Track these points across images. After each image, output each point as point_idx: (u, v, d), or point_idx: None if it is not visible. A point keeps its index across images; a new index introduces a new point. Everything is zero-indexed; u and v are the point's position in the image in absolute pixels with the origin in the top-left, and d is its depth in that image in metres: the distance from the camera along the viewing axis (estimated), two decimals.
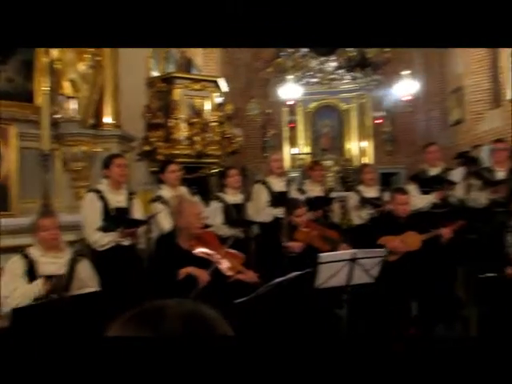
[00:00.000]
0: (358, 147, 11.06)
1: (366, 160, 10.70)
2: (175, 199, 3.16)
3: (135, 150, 4.91)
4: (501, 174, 4.10)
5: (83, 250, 3.55)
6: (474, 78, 8.99)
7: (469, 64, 9.06)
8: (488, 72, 8.83)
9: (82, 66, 4.19)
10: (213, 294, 2.80)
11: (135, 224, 3.50)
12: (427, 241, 3.39)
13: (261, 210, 4.16)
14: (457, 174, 3.96)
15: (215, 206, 4.02)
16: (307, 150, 11.11)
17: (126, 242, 3.48)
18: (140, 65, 5.04)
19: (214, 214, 3.93)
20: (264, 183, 4.35)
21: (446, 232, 3.41)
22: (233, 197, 4.12)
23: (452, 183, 3.59)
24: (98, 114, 4.39)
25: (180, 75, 5.22)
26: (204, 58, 8.20)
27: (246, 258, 3.24)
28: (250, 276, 2.98)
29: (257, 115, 11.49)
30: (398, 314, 3.40)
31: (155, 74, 5.35)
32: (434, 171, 4.37)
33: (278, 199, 4.23)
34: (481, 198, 4.03)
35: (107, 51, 4.28)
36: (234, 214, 4.01)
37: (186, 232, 2.95)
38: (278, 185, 4.35)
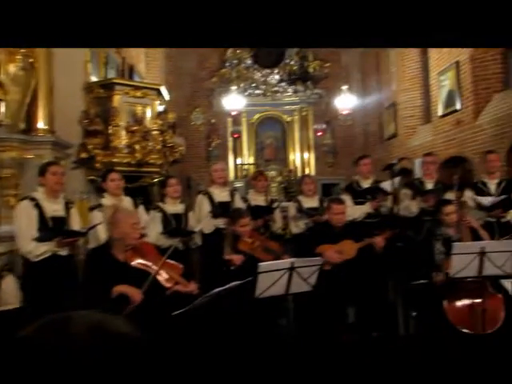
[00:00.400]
0: (301, 158, 11.35)
1: (308, 171, 11.00)
2: (110, 209, 3.06)
3: (71, 157, 4.71)
4: (429, 185, 4.37)
5: (11, 262, 3.34)
6: (407, 94, 9.54)
7: (402, 81, 9.61)
8: (420, 89, 9.41)
9: (12, 68, 3.97)
10: (150, 306, 2.74)
11: (74, 235, 3.37)
12: (362, 249, 3.53)
13: (202, 221, 4.12)
14: (388, 185, 4.16)
15: (154, 215, 3.94)
16: (251, 160, 11.23)
17: (64, 252, 3.33)
18: (77, 69, 4.85)
19: (152, 224, 3.85)
20: (205, 194, 4.32)
21: (379, 240, 3.56)
22: (172, 206, 4.05)
23: (386, 193, 3.77)
24: (31, 119, 4.17)
25: (120, 81, 5.10)
26: (147, 66, 8.07)
27: (186, 269, 3.20)
28: (188, 287, 2.94)
29: (201, 125, 11.47)
30: (336, 321, 3.49)
31: (94, 78, 5.18)
32: (366, 183, 4.55)
33: (221, 209, 4.22)
34: (412, 207, 4.27)
35: (41, 52, 4.08)
36: (174, 224, 3.95)
37: (121, 243, 2.86)
38: (221, 195, 4.34)
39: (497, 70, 7.07)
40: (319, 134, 11.14)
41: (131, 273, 2.88)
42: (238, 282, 2.71)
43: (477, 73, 7.16)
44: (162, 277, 2.95)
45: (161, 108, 5.34)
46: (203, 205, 4.24)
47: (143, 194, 4.91)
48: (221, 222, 4.07)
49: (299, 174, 10.67)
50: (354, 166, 4.75)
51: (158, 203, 4.15)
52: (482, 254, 2.84)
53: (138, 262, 2.94)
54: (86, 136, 4.78)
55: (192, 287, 2.95)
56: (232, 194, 4.42)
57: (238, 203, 4.36)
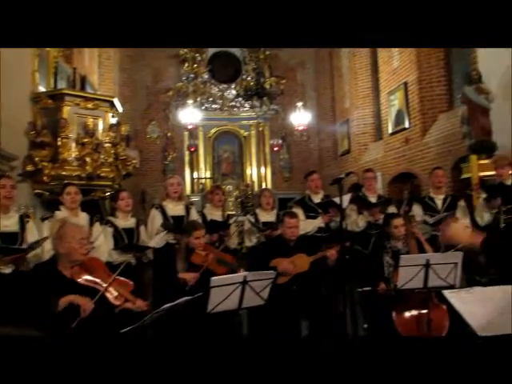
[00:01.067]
0: (257, 173, 11.43)
1: (264, 185, 11.08)
2: (57, 223, 2.94)
3: (16, 170, 4.50)
4: (372, 200, 4.54)
5: None
6: (359, 112, 9.88)
7: (355, 100, 9.95)
8: (371, 108, 9.78)
9: None
10: (98, 324, 2.63)
11: (16, 252, 3.22)
12: (315, 262, 3.58)
13: (160, 235, 4.03)
14: (344, 200, 4.25)
15: (105, 230, 3.81)
16: (208, 174, 11.19)
17: (7, 270, 3.20)
18: (24, 78, 4.67)
19: (103, 239, 3.72)
20: (158, 208, 4.24)
21: (331, 253, 3.62)
22: (124, 221, 3.95)
23: (339, 208, 3.82)
24: None
25: (71, 92, 4.94)
26: (100, 77, 7.90)
27: (137, 285, 3.11)
28: (138, 305, 2.86)
29: (157, 138, 11.33)
30: (289, 334, 3.49)
31: (42, 89, 5.00)
32: (317, 197, 4.65)
33: (173, 224, 4.15)
34: (359, 221, 4.41)
35: None
36: (126, 239, 3.84)
37: (67, 258, 2.74)
38: (175, 209, 4.27)
39: (442, 92, 7.47)
40: (275, 149, 11.30)
41: (78, 290, 2.76)
42: (189, 298, 2.66)
43: (423, 93, 7.54)
44: (111, 294, 2.85)
45: (114, 120, 5.22)
46: (155, 219, 4.16)
47: (94, 208, 4.75)
48: (171, 237, 4.00)
49: (256, 188, 10.75)
50: (305, 181, 4.85)
51: (108, 217, 4.03)
52: (427, 266, 2.96)
53: (85, 278, 2.83)
54: (32, 148, 4.59)
55: (141, 304, 2.87)
56: (187, 209, 4.37)
57: (194, 218, 4.31)
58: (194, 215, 4.37)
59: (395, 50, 8.18)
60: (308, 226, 4.34)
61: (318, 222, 4.39)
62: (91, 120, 4.83)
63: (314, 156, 12.01)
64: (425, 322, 3.13)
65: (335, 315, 3.63)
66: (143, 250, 3.89)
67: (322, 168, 11.04)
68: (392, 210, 4.47)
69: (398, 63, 8.13)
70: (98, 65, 7.78)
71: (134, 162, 5.22)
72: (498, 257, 1.43)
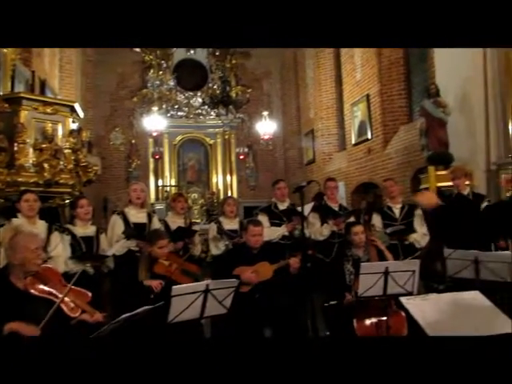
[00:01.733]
0: (223, 181, 11.42)
1: (230, 194, 11.07)
2: (9, 232, 2.81)
3: None
4: (334, 209, 4.61)
5: None
6: (323, 123, 10.07)
7: (319, 110, 10.14)
8: (335, 119, 9.99)
9: None
10: (56, 335, 2.53)
11: None
12: (278, 270, 3.59)
13: (114, 243, 3.93)
14: (306, 209, 4.30)
15: (63, 238, 3.68)
16: (173, 182, 11.08)
17: None
18: None
19: (60, 248, 3.59)
20: (120, 214, 4.15)
21: (294, 261, 3.64)
22: (83, 229, 3.82)
23: (302, 216, 3.87)
24: None
25: (28, 96, 4.78)
26: (61, 81, 7.70)
27: (95, 296, 3.01)
28: (95, 316, 2.76)
29: (121, 145, 11.14)
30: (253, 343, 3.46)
31: None
32: (283, 205, 4.68)
33: (135, 231, 4.06)
34: (323, 231, 4.46)
35: None
36: (84, 248, 3.73)
37: (20, 269, 2.63)
38: (137, 216, 4.19)
39: (402, 104, 7.73)
40: (241, 157, 11.33)
41: (32, 302, 2.65)
42: (149, 307, 2.60)
43: (385, 106, 7.77)
44: (67, 305, 2.75)
45: (74, 126, 5.08)
46: (116, 225, 4.06)
47: (53, 216, 4.59)
48: (133, 244, 3.91)
49: (221, 196, 10.72)
50: (272, 189, 4.88)
51: (66, 225, 3.89)
52: (386, 273, 3.02)
53: (39, 289, 2.72)
54: None
55: (98, 316, 2.78)
56: (150, 216, 4.29)
57: (156, 226, 4.24)
58: (156, 223, 4.30)
59: (358, 63, 8.40)
60: (272, 233, 4.36)
61: (282, 230, 4.42)
62: (50, 125, 4.67)
63: (280, 165, 12.13)
64: (384, 329, 3.19)
65: (297, 323, 3.65)
66: (101, 259, 3.78)
67: (288, 177, 11.15)
68: (352, 219, 4.56)
69: (360, 76, 8.36)
70: (58, 69, 7.57)
71: (95, 168, 5.09)
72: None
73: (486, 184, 5.23)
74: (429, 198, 1.52)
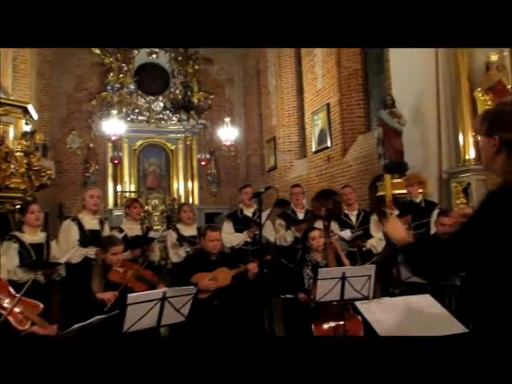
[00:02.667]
0: (185, 187, 11.30)
1: (191, 200, 10.98)
2: None
3: None
4: (300, 215, 4.66)
5: None
6: (285, 130, 10.19)
7: (281, 118, 10.26)
8: (296, 126, 10.14)
9: None
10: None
11: None
12: (237, 276, 3.58)
13: (69, 250, 3.78)
14: (264, 215, 4.31)
15: (9, 246, 3.49)
16: (133, 187, 10.86)
17: None
18: None
19: (7, 256, 3.41)
20: (74, 220, 4.00)
21: (252, 266, 3.65)
22: (32, 236, 3.64)
23: (258, 223, 3.85)
24: None
25: None
26: (14, 82, 7.38)
27: (46, 306, 2.88)
28: (47, 329, 2.64)
29: (78, 149, 10.82)
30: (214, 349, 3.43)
31: None
32: (248, 211, 4.68)
33: (91, 238, 3.94)
34: (287, 236, 4.49)
35: None
36: (34, 256, 3.55)
37: None
38: (91, 222, 4.06)
39: (360, 114, 7.95)
40: (203, 163, 11.27)
41: None
42: (102, 317, 2.52)
43: (344, 115, 7.97)
44: (16, 317, 2.61)
45: (28, 128, 4.88)
46: (71, 232, 3.91)
47: (3, 222, 4.37)
48: (91, 251, 3.79)
49: (182, 202, 10.61)
50: (239, 194, 4.89)
51: (13, 232, 3.69)
52: (343, 278, 3.08)
53: None
54: None
55: (49, 328, 2.66)
56: (101, 223, 4.17)
57: (107, 233, 4.13)
58: (107, 230, 4.20)
59: (319, 73, 8.58)
60: (234, 239, 4.36)
61: (244, 237, 4.42)
62: (1, 127, 4.47)
63: (242, 171, 12.16)
64: (341, 333, 3.25)
65: (255, 328, 3.65)
66: (53, 267, 3.62)
67: (249, 183, 11.17)
68: (319, 225, 4.62)
69: (321, 85, 8.53)
70: (12, 68, 7.26)
71: (49, 172, 4.89)
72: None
73: (438, 191, 5.44)
74: (397, 230, 1.55)
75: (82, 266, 3.71)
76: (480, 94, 5.00)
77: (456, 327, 1.79)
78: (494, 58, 4.97)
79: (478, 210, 1.37)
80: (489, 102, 4.82)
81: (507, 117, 1.40)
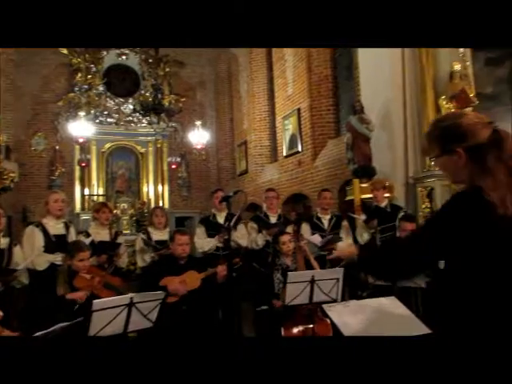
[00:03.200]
0: (155, 191, 11.15)
1: (162, 204, 10.83)
2: None
3: None
4: (273, 219, 4.66)
5: None
6: (256, 134, 10.23)
7: (252, 122, 10.30)
8: (267, 131, 10.19)
9: None
10: None
11: None
12: (206, 279, 3.55)
13: (33, 256, 3.66)
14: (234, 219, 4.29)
15: None
16: (101, 191, 10.62)
17: None
18: None
19: None
20: (38, 225, 3.87)
21: (221, 269, 3.63)
22: None
23: (227, 228, 3.83)
24: None
25: None
26: None
27: (6, 315, 2.77)
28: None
29: (43, 151, 10.52)
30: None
31: None
32: (220, 216, 4.63)
33: (56, 243, 3.82)
34: (258, 240, 4.49)
35: None
36: None
37: None
38: (56, 227, 3.94)
39: (330, 119, 8.07)
40: (174, 166, 11.15)
41: None
42: (65, 324, 2.44)
43: (314, 120, 8.07)
44: None
45: None
46: (35, 238, 3.79)
47: None
48: (58, 258, 3.68)
49: (153, 206, 10.45)
50: (210, 199, 4.85)
51: None
52: (312, 281, 3.11)
53: None
54: None
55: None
56: (67, 226, 4.06)
57: (74, 237, 4.03)
58: (74, 234, 4.09)
59: (290, 78, 8.67)
60: (206, 244, 4.33)
61: (215, 242, 4.40)
62: None
63: (213, 175, 12.10)
64: (310, 336, 3.27)
65: (223, 331, 3.63)
66: (11, 274, 3.48)
67: (221, 187, 11.13)
68: (290, 229, 4.64)
69: (292, 90, 8.62)
70: None
71: (12, 175, 4.74)
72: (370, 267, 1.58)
73: (405, 196, 5.58)
74: (347, 253, 1.60)
75: (48, 273, 3.60)
76: (444, 102, 5.17)
77: (420, 328, 1.84)
78: (457, 67, 5.16)
79: (441, 209, 1.40)
80: (452, 110, 4.99)
81: (457, 128, 1.42)
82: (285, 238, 3.87)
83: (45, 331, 2.29)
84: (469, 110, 4.59)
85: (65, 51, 10.22)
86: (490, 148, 1.33)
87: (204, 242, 4.36)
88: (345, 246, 1.62)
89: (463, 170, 1.39)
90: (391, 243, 3.54)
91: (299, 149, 8.35)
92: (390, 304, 2.04)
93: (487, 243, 1.27)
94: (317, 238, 4.42)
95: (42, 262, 3.70)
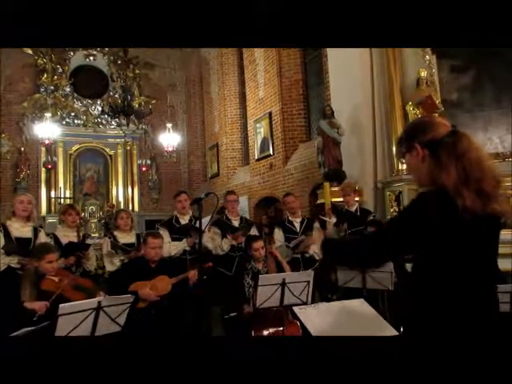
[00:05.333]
0: (124, 193, 10.97)
1: (131, 206, 10.67)
2: None
3: None
4: (235, 222, 4.60)
5: None
6: (228, 137, 10.23)
7: (224, 125, 10.28)
8: (239, 134, 10.21)
9: None
10: None
11: None
12: (176, 284, 3.51)
13: None
14: (204, 222, 4.23)
15: None
16: (68, 193, 10.37)
17: None
18: None
19: None
20: (0, 227, 3.74)
21: (192, 274, 3.59)
22: None
23: (200, 230, 3.78)
24: None
25: None
26: None
27: None
28: None
29: (7, 153, 10.18)
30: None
31: None
32: (184, 219, 4.54)
33: (17, 246, 3.70)
34: (223, 245, 4.42)
35: None
36: None
37: None
38: (21, 230, 3.82)
39: (301, 123, 8.16)
40: (144, 169, 11.00)
41: None
42: (30, 328, 2.37)
43: (286, 124, 8.14)
44: None
45: None
46: None
47: None
48: (14, 260, 3.56)
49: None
50: (173, 202, 4.74)
51: None
52: (283, 284, 3.12)
53: None
54: None
55: None
56: (36, 231, 3.94)
57: (43, 241, 3.91)
58: (43, 238, 3.97)
59: (261, 82, 8.71)
60: (173, 248, 4.24)
61: (183, 245, 4.33)
62: None
63: (184, 178, 12.01)
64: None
65: (194, 335, 3.59)
66: None
67: (192, 190, 11.08)
68: (253, 232, 4.62)
69: (263, 94, 8.66)
70: None
71: None
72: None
73: (374, 200, 5.69)
74: (317, 239, 1.62)
75: (5, 276, 3.48)
76: (411, 108, 5.31)
77: (387, 330, 1.88)
78: (423, 74, 5.31)
79: (406, 206, 1.44)
80: (419, 116, 5.13)
81: (419, 125, 1.51)
82: (257, 244, 3.83)
83: (12, 334, 2.21)
84: (435, 115, 4.73)
85: (29, 51, 9.95)
86: (444, 144, 1.38)
87: (171, 247, 4.25)
88: (317, 237, 1.66)
89: (423, 167, 1.44)
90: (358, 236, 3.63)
91: (271, 152, 8.40)
92: (359, 306, 2.07)
93: (451, 238, 1.31)
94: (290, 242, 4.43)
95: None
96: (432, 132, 1.43)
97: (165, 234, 4.16)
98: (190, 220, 4.46)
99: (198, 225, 3.28)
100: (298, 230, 4.72)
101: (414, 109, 5.29)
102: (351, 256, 1.50)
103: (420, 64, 5.42)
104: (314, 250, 4.60)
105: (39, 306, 3.05)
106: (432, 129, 1.44)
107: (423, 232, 1.31)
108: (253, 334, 3.38)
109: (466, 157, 1.35)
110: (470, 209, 1.27)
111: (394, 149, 5.45)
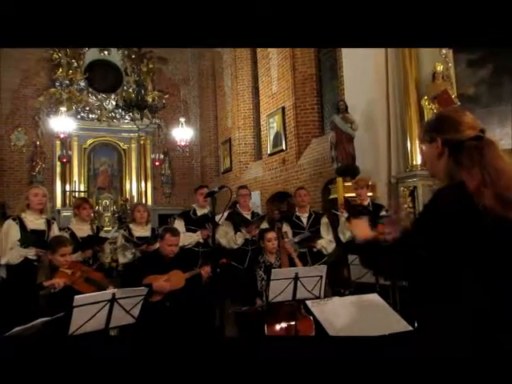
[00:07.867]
0: (137, 187, 11.05)
1: (145, 200, 10.75)
2: None
3: None
4: (247, 216, 4.63)
5: None
6: (240, 132, 10.22)
7: (237, 120, 10.28)
8: (252, 129, 10.19)
9: None
10: None
11: None
12: (190, 278, 3.53)
13: (8, 251, 3.59)
14: (223, 216, 4.26)
15: None
16: (82, 187, 10.49)
17: None
18: None
19: None
20: (15, 219, 3.79)
21: (205, 270, 3.62)
22: None
23: (214, 223, 3.81)
24: None
25: None
26: None
27: None
28: None
29: (23, 146, 10.32)
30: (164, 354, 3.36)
31: None
32: (202, 212, 4.60)
33: (33, 238, 3.75)
34: (237, 238, 4.45)
35: None
36: None
37: None
38: (35, 222, 3.86)
39: (314, 118, 8.11)
40: (157, 163, 11.07)
41: None
42: (45, 319, 2.40)
43: (299, 119, 8.10)
44: None
45: None
46: (11, 232, 3.71)
47: None
48: (31, 252, 3.61)
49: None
50: (194, 195, 4.81)
51: None
52: (296, 279, 3.11)
53: None
54: None
55: None
56: (49, 223, 3.99)
57: (56, 233, 3.96)
58: (56, 231, 4.02)
59: (275, 76, 8.68)
60: (186, 239, 4.28)
61: (197, 237, 4.36)
62: None
63: (197, 172, 12.05)
64: (293, 333, 3.28)
65: (206, 330, 3.61)
66: None
67: (206, 184, 11.09)
68: (265, 226, 4.63)
69: (276, 88, 8.63)
70: None
71: None
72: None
73: (387, 195, 5.64)
74: (362, 230, 1.55)
75: (23, 267, 3.54)
76: (427, 103, 5.24)
77: (401, 325, 1.86)
78: (439, 68, 5.24)
79: (426, 207, 1.41)
80: (435, 111, 5.06)
81: (446, 120, 1.46)
82: (270, 235, 3.85)
83: (24, 326, 2.24)
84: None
85: None
86: (467, 147, 1.35)
87: (184, 237, 4.30)
88: (363, 224, 1.55)
89: (438, 161, 1.42)
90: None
91: (283, 147, 8.37)
92: (372, 301, 2.06)
93: (472, 236, 1.29)
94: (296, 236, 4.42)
95: (15, 256, 3.64)
96: (457, 133, 1.40)
97: (180, 224, 4.20)
98: (208, 214, 4.50)
99: (220, 218, 3.27)
100: (305, 224, 4.72)
101: (429, 103, 5.22)
102: (385, 271, 1.47)
103: (436, 58, 5.34)
104: (322, 244, 4.59)
105: (57, 280, 3.10)
106: (458, 129, 1.40)
107: (450, 230, 1.29)
108: (265, 328, 3.39)
109: (492, 166, 1.32)
110: (489, 209, 1.24)
111: (408, 144, 5.40)
